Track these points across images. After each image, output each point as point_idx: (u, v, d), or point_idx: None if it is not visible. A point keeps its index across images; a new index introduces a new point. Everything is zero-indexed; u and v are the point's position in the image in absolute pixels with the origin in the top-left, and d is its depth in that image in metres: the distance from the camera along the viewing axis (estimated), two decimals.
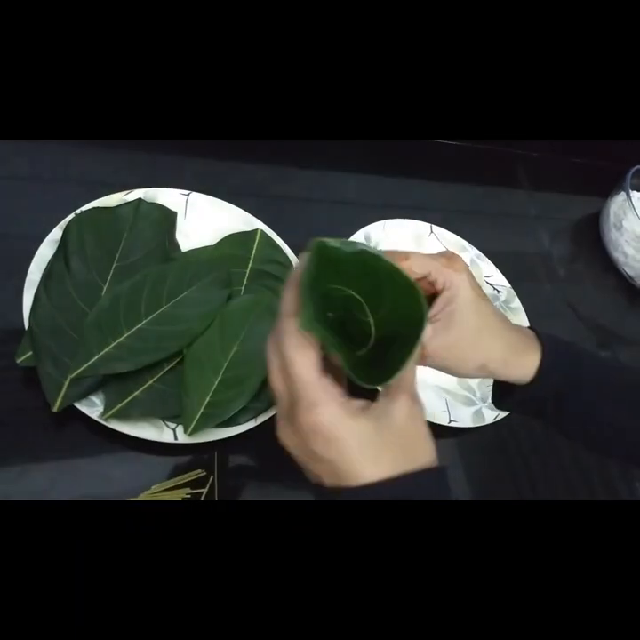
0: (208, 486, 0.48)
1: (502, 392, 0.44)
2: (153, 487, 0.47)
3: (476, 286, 0.39)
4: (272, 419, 0.51)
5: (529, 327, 0.43)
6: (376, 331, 0.33)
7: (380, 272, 0.31)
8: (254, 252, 0.58)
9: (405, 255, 0.38)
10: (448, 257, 0.39)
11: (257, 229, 0.60)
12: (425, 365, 0.39)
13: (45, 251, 0.51)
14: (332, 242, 0.31)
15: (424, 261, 0.38)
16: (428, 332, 0.36)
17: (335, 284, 0.32)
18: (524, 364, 0.40)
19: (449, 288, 0.38)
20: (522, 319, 0.68)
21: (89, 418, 0.46)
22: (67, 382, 0.46)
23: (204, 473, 0.49)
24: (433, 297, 0.39)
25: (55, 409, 0.45)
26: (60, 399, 0.46)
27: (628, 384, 0.43)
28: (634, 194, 0.80)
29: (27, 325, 0.47)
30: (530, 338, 0.41)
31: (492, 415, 0.60)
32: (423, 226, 0.70)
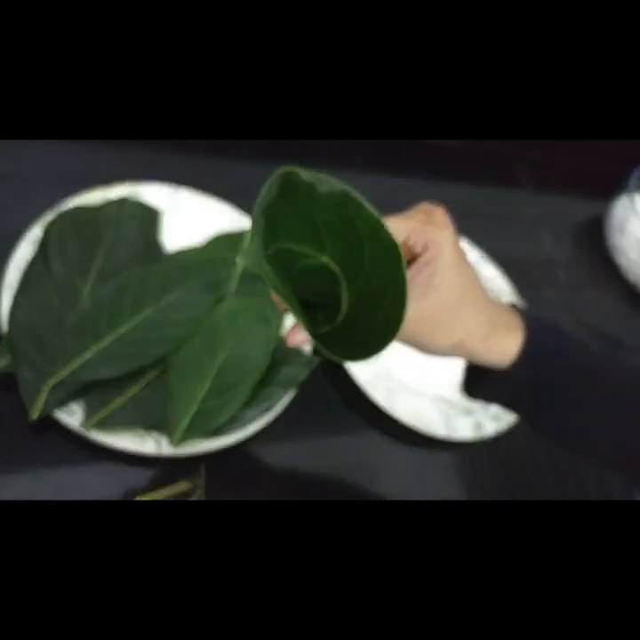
0: (194, 499, 0.46)
1: (475, 378, 0.39)
2: (136, 499, 0.45)
3: (459, 249, 0.34)
4: (263, 429, 0.50)
5: (511, 304, 0.38)
6: (348, 303, 0.28)
7: (360, 225, 0.26)
8: None
9: None
10: (427, 211, 0.34)
11: (247, 230, 0.58)
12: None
13: (24, 251, 0.49)
14: (306, 174, 0.26)
15: (400, 224, 0.33)
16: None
17: (302, 241, 0.27)
18: (506, 345, 0.35)
19: (430, 248, 0.33)
20: None
21: (69, 427, 0.44)
22: (46, 389, 0.44)
23: (191, 485, 0.47)
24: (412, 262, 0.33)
25: (34, 417, 0.43)
26: (38, 407, 0.44)
27: (620, 380, 0.38)
28: (638, 197, 0.78)
29: (4, 329, 0.45)
30: (513, 315, 0.36)
31: (492, 426, 0.58)
32: None
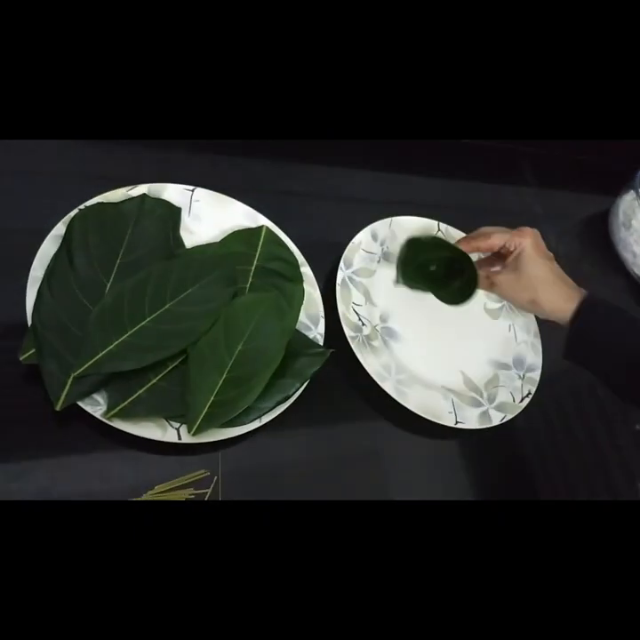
0: (212, 487, 0.48)
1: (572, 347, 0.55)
2: (156, 487, 0.47)
3: (538, 248, 0.56)
4: (277, 419, 0.51)
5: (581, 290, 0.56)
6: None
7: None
8: (259, 249, 0.58)
9: (488, 235, 0.57)
10: (519, 230, 0.57)
11: (262, 226, 0.59)
12: (494, 292, 0.57)
13: (49, 246, 0.50)
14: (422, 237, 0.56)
15: (502, 237, 0.56)
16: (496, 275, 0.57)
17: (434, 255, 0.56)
18: (563, 305, 0.55)
19: (517, 249, 0.56)
20: (531, 318, 0.68)
21: (92, 416, 0.46)
22: (70, 380, 0.45)
23: (208, 473, 0.48)
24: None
25: (58, 407, 0.45)
26: (62, 397, 0.45)
27: None
28: None
29: (30, 322, 0.47)
30: (576, 292, 0.56)
31: (498, 417, 0.59)
32: (430, 223, 0.69)
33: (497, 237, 0.57)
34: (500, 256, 0.58)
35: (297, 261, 0.59)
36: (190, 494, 0.47)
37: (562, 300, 0.55)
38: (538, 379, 0.63)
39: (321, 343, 0.55)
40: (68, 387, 0.45)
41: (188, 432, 0.47)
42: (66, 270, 0.49)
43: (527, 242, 0.56)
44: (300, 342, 0.54)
